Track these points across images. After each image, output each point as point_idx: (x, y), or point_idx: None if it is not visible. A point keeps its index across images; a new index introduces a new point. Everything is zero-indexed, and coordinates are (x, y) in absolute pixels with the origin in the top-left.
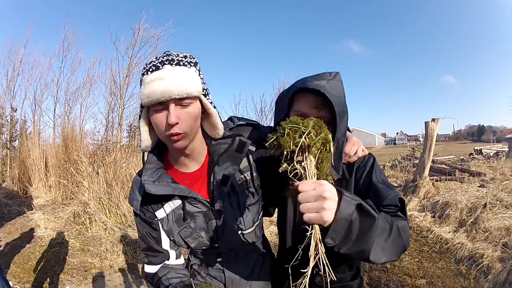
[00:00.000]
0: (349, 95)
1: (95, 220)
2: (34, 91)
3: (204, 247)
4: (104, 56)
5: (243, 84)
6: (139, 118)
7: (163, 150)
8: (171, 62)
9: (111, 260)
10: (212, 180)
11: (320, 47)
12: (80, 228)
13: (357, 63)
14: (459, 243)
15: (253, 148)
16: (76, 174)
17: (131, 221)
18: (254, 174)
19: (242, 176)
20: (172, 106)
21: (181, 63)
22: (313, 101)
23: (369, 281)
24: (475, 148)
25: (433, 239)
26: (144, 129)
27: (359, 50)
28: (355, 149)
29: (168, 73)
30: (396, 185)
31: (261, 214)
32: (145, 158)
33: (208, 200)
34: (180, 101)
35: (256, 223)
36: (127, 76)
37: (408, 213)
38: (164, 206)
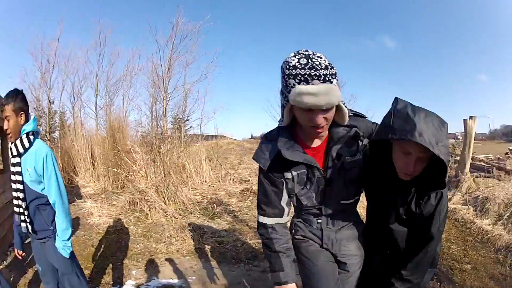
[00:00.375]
0: (383, 91)
1: (155, 208)
2: (71, 83)
3: (311, 207)
4: (143, 49)
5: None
6: (285, 102)
7: (292, 126)
8: (319, 78)
9: (177, 245)
10: (328, 155)
11: (353, 43)
12: (139, 215)
13: (390, 59)
14: (497, 234)
15: (363, 139)
16: (131, 163)
17: (192, 209)
18: (361, 158)
19: (352, 158)
20: (319, 112)
21: (326, 78)
22: (421, 150)
23: None
24: (510, 148)
25: (475, 230)
26: (287, 112)
27: (393, 45)
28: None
29: (317, 91)
30: None
31: (362, 192)
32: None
33: (323, 169)
34: (325, 110)
35: (356, 198)
36: (168, 69)
37: (453, 206)
38: (292, 169)
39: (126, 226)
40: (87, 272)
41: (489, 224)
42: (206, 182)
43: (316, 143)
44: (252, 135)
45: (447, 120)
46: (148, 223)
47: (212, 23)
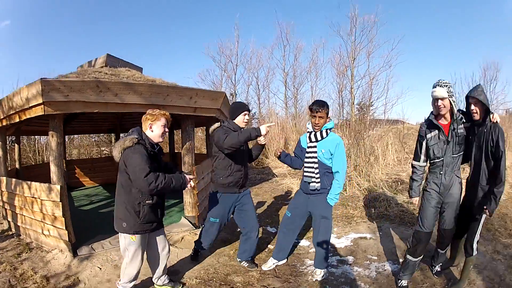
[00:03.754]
0: None
1: (352, 183)
2: (256, 78)
3: (437, 159)
4: (326, 42)
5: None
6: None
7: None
8: (438, 85)
9: (369, 212)
10: (451, 129)
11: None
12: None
13: None
14: None
15: (464, 118)
16: None
17: (381, 185)
18: (463, 130)
19: (460, 130)
20: (439, 101)
21: (442, 85)
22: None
23: None
24: None
25: None
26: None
27: None
28: (495, 118)
29: (437, 89)
30: None
31: (462, 151)
32: None
33: (447, 136)
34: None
35: (461, 153)
36: (354, 59)
37: None
38: (433, 130)
39: None
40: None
41: None
42: (389, 164)
43: (445, 121)
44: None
45: None
46: (345, 196)
47: (389, 11)
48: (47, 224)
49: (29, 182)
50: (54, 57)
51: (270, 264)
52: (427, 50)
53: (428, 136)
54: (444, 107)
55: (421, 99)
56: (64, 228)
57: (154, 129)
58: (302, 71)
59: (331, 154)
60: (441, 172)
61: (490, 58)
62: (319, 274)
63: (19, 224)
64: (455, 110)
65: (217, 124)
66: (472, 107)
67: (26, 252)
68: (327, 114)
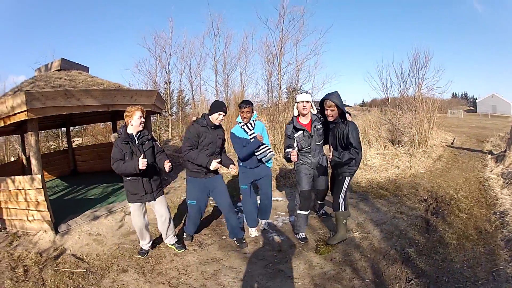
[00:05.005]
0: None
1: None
2: (189, 66)
3: (305, 147)
4: (255, 32)
5: (383, 49)
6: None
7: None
8: (304, 92)
9: (283, 183)
10: (312, 126)
11: (446, 10)
12: None
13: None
14: (503, 202)
15: (319, 116)
16: None
17: None
18: (321, 125)
19: (319, 126)
20: (305, 103)
21: (307, 92)
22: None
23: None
24: None
25: (491, 195)
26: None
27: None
28: (347, 116)
29: (303, 95)
30: (496, 153)
31: (323, 139)
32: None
33: (310, 132)
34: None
35: (322, 141)
36: (281, 47)
37: (488, 175)
38: (299, 131)
39: None
40: None
41: (505, 195)
42: None
43: (306, 121)
44: (363, 101)
45: None
46: None
47: (317, 3)
48: (31, 210)
49: (12, 177)
50: None
51: (254, 233)
52: (356, 38)
53: (296, 135)
54: (307, 108)
55: (347, 84)
56: (47, 210)
57: (133, 123)
58: (233, 59)
59: (262, 134)
60: (309, 156)
61: (421, 48)
62: (264, 224)
63: (4, 217)
64: (315, 111)
65: (194, 118)
66: (329, 112)
67: (16, 240)
68: (252, 109)
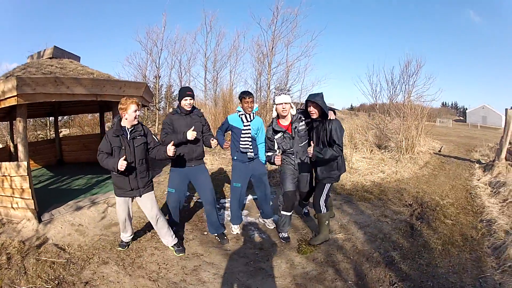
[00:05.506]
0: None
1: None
2: (179, 61)
3: (287, 149)
4: (247, 30)
5: (375, 56)
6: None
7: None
8: (283, 93)
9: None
10: (292, 128)
11: (441, 20)
12: None
13: (477, 34)
14: (490, 210)
15: (302, 117)
16: None
17: None
18: (304, 126)
19: (301, 127)
20: (284, 104)
21: (286, 93)
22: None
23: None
24: None
25: (478, 203)
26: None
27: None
28: (331, 115)
29: (282, 96)
30: (484, 162)
31: (307, 139)
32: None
33: (291, 133)
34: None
35: (305, 142)
36: (272, 48)
37: (475, 183)
38: (278, 133)
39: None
40: None
41: (493, 203)
42: None
43: (286, 122)
44: (351, 106)
45: None
46: None
47: (311, 6)
48: (16, 197)
49: None
50: None
51: (236, 230)
52: (348, 42)
53: (276, 137)
54: (287, 110)
55: (336, 87)
56: (31, 198)
57: (127, 116)
58: (223, 56)
59: (258, 130)
60: (293, 157)
61: (413, 55)
62: (271, 223)
63: None
64: (294, 111)
65: (171, 110)
66: (312, 109)
67: (0, 228)
68: (254, 100)
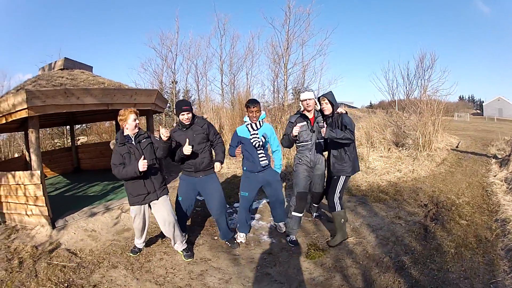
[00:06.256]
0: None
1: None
2: (195, 66)
3: (305, 141)
4: (261, 32)
5: (388, 53)
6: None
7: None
8: (307, 90)
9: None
10: (315, 122)
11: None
12: None
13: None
14: (506, 209)
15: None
16: None
17: None
18: (322, 123)
19: (321, 123)
20: (308, 100)
21: (309, 90)
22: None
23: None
24: None
25: (494, 201)
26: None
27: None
28: (340, 110)
29: (306, 93)
30: (500, 157)
31: (323, 139)
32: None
33: (312, 126)
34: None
35: (322, 140)
36: (287, 48)
37: (491, 180)
38: (304, 120)
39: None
40: None
41: (508, 201)
42: None
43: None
44: (371, 103)
45: None
46: None
47: (321, 4)
48: (30, 205)
49: (13, 172)
50: None
51: (241, 238)
52: (362, 39)
53: (300, 124)
54: (311, 105)
55: (354, 86)
56: (45, 205)
57: (128, 126)
58: (239, 59)
59: (268, 137)
60: (309, 153)
61: (427, 49)
62: (283, 226)
63: (4, 211)
64: (318, 107)
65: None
66: (324, 105)
67: (14, 233)
68: (260, 108)
